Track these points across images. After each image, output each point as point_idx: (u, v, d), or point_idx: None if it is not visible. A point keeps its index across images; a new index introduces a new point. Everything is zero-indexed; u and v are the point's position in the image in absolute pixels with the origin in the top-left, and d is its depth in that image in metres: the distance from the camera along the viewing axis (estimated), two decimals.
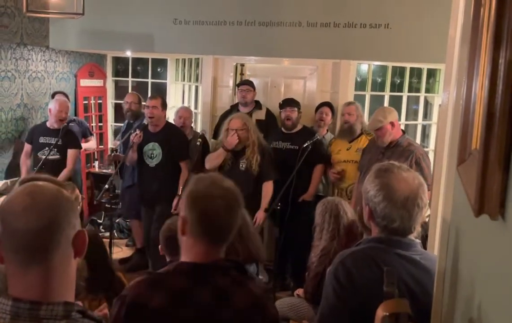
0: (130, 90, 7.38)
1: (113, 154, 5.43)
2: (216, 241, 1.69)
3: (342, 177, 4.92)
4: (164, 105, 5.16)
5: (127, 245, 6.21)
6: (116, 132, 7.40)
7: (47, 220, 1.18)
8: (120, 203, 5.85)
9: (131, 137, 4.95)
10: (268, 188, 4.69)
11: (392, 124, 4.24)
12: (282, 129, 5.19)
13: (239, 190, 1.74)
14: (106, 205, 5.11)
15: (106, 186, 4.73)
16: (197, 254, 1.67)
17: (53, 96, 5.99)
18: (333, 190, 5.39)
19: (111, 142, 7.41)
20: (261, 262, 2.32)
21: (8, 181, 5.65)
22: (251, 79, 5.95)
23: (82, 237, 1.26)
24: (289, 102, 5.18)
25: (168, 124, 5.25)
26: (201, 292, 1.61)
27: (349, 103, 5.21)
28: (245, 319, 1.63)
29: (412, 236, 1.87)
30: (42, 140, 5.31)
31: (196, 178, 1.74)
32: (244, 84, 5.51)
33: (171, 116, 5.98)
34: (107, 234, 5.40)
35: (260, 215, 4.61)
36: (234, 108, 5.56)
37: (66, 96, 6.15)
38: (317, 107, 5.49)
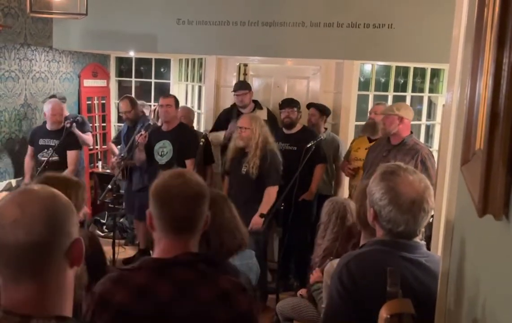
0: (133, 90, 7.40)
1: (123, 162, 5.34)
2: (178, 233, 1.68)
3: (355, 174, 4.93)
4: (177, 104, 5.24)
5: (126, 244, 6.21)
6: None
7: (37, 235, 1.11)
8: (124, 204, 5.84)
9: (136, 137, 4.96)
10: (268, 193, 4.53)
11: (401, 119, 4.24)
12: (283, 129, 5.20)
13: (203, 183, 1.74)
14: (110, 205, 5.12)
15: (109, 186, 4.74)
16: (164, 249, 1.68)
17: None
18: (336, 188, 5.43)
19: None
20: (242, 249, 2.25)
21: (12, 180, 5.67)
22: (254, 79, 5.96)
23: (79, 246, 1.19)
24: (288, 102, 5.21)
25: (180, 123, 5.29)
26: (161, 287, 1.61)
27: (378, 103, 5.28)
28: (207, 313, 1.61)
29: (417, 238, 1.86)
30: (41, 142, 5.34)
31: (160, 173, 1.75)
32: (238, 89, 5.48)
33: None
34: (111, 234, 5.40)
35: (255, 220, 4.40)
36: (233, 108, 5.57)
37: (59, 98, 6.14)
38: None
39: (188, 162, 5.00)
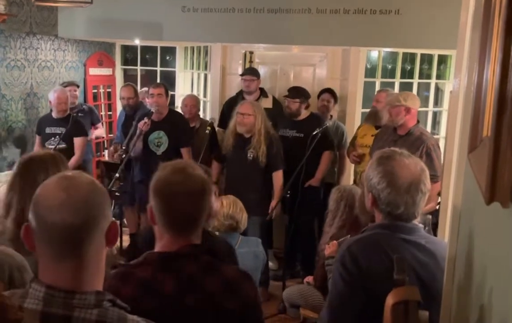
0: (139, 79, 7.39)
1: (123, 155, 5.26)
2: (180, 229, 1.66)
3: (361, 160, 4.90)
4: (167, 93, 5.21)
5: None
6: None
7: (83, 217, 1.20)
8: (125, 194, 5.77)
9: (140, 125, 4.91)
10: (279, 178, 4.68)
11: (408, 110, 4.19)
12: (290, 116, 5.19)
13: (205, 176, 1.71)
14: (116, 194, 5.11)
15: (117, 174, 4.73)
16: (165, 243, 1.67)
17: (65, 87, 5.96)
18: (340, 176, 5.41)
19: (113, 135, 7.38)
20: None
21: None
22: (259, 66, 5.93)
23: (115, 228, 1.30)
24: (291, 93, 5.15)
25: (171, 111, 5.28)
26: (166, 281, 1.61)
27: (380, 90, 5.24)
28: (216, 304, 1.61)
29: (416, 221, 1.89)
30: (48, 130, 5.35)
31: (161, 166, 1.72)
32: (248, 74, 5.48)
33: (179, 104, 5.97)
34: (118, 222, 5.38)
35: (274, 205, 4.61)
36: (239, 95, 5.54)
37: (77, 85, 6.18)
38: (319, 94, 5.48)
39: (184, 151, 4.97)
